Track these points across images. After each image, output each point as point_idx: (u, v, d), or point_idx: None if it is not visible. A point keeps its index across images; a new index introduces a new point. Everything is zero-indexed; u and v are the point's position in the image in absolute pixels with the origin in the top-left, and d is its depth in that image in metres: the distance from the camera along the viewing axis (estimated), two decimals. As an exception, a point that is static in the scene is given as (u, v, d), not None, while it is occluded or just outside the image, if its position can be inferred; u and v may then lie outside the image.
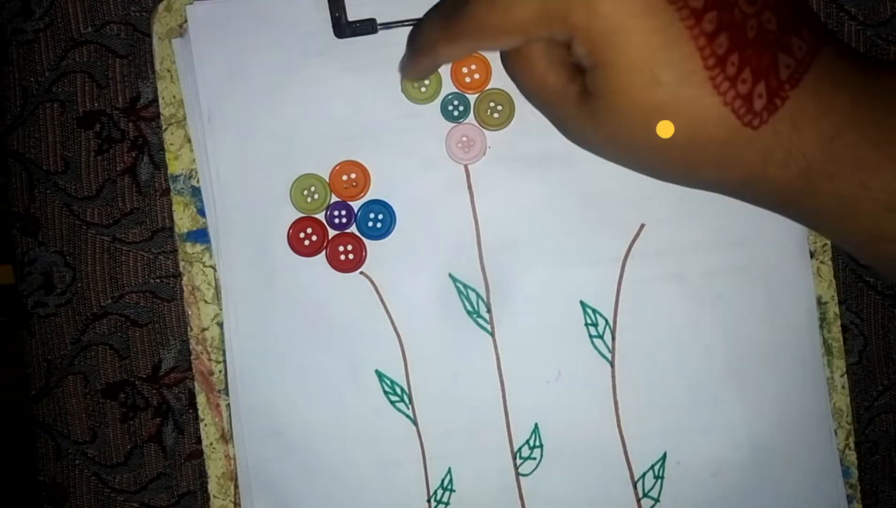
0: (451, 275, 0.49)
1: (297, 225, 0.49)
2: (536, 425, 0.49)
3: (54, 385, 0.52)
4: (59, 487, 0.52)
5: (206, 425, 0.51)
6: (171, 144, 0.51)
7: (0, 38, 0.51)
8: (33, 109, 0.52)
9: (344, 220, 0.50)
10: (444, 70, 0.49)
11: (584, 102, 0.38)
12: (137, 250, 0.51)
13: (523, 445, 0.49)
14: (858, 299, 0.50)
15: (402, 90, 0.49)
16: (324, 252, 0.50)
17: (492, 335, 0.49)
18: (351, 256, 0.49)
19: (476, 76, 0.49)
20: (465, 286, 0.49)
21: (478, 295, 0.49)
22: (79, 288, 0.52)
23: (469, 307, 0.49)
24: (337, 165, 0.49)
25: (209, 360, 0.51)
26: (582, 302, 0.49)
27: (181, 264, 0.51)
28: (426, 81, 0.49)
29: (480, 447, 0.49)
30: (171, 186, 0.51)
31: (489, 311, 0.49)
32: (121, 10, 0.51)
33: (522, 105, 0.49)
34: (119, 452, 0.52)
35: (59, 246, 0.52)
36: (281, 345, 0.50)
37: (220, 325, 0.50)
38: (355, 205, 0.50)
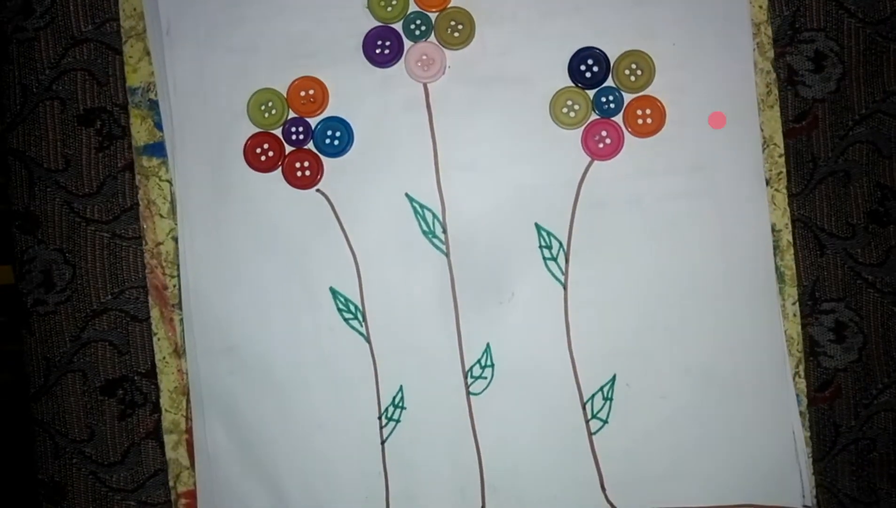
0: (407, 194, 0.49)
1: (254, 140, 0.49)
2: (488, 345, 0.49)
3: (53, 383, 0.51)
4: (58, 485, 0.52)
5: (159, 339, 0.51)
6: (130, 57, 0.50)
7: (0, 36, 0.51)
8: (34, 106, 0.51)
9: (301, 136, 0.49)
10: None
11: None
12: (137, 245, 0.51)
13: (474, 364, 0.49)
14: (858, 296, 0.51)
15: (369, 8, 0.49)
16: (280, 168, 0.49)
17: (447, 255, 0.49)
18: (307, 172, 0.49)
19: (438, -6, 0.48)
20: (422, 206, 0.49)
21: (434, 215, 0.49)
22: (78, 285, 0.51)
23: (425, 227, 0.49)
24: (295, 81, 0.49)
25: (163, 274, 0.50)
26: (537, 224, 0.49)
27: (137, 177, 0.50)
28: (393, 1, 0.48)
29: (432, 365, 0.49)
30: (129, 99, 0.50)
31: (445, 232, 0.49)
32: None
33: (483, 25, 0.49)
34: (116, 451, 0.52)
35: (59, 244, 0.51)
36: (235, 261, 0.50)
37: (176, 239, 0.50)
38: (313, 121, 0.49)
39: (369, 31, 0.49)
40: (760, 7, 0.48)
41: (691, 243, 0.49)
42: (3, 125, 0.51)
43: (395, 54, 0.49)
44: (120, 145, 0.51)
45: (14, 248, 0.52)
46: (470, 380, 0.49)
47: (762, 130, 0.49)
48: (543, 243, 0.49)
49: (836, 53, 0.50)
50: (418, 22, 0.49)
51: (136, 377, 0.51)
